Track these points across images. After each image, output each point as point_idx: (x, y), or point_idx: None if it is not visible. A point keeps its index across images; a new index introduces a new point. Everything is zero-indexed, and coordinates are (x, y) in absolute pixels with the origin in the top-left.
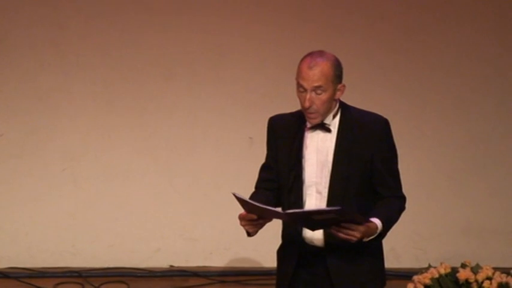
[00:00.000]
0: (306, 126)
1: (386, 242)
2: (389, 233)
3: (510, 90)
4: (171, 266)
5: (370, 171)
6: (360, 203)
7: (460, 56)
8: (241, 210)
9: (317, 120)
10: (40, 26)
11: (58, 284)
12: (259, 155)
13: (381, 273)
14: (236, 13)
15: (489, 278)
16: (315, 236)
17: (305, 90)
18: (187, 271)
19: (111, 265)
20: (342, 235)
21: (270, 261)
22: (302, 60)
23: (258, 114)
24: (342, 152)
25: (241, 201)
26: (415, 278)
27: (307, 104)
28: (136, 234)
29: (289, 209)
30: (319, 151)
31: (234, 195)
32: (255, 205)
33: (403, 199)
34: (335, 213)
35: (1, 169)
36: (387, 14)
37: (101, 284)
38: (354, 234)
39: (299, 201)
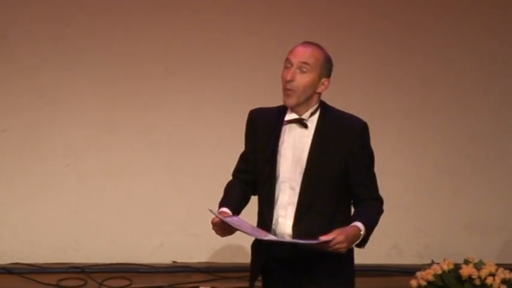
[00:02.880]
0: (284, 120)
1: (389, 239)
2: (392, 230)
3: (511, 87)
4: (174, 261)
5: (345, 172)
6: (333, 202)
7: (461, 53)
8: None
9: (292, 101)
10: (42, 21)
11: (61, 280)
12: None
13: (349, 275)
14: (237, 10)
15: (492, 274)
16: (286, 231)
17: (292, 65)
18: (190, 267)
19: (114, 261)
20: (330, 249)
21: None
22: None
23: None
24: (317, 150)
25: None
26: (418, 274)
27: (288, 77)
28: (139, 230)
29: (263, 202)
30: (295, 147)
31: (211, 211)
32: (233, 224)
33: (380, 201)
34: (311, 246)
35: (4, 165)
36: (389, 12)
37: (104, 280)
38: (340, 246)
39: (271, 195)
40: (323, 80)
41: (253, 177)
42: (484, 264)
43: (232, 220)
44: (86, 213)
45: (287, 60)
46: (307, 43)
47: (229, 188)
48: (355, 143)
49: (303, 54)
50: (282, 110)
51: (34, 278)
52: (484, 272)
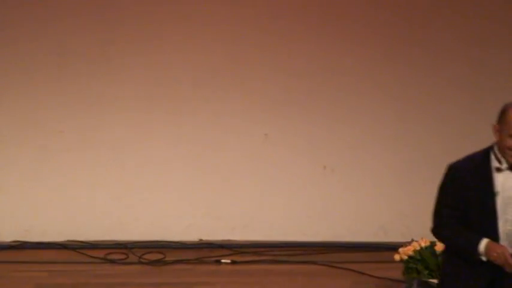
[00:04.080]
0: (493, 167)
1: (377, 221)
2: (379, 214)
3: (485, 88)
4: (200, 239)
5: None
6: None
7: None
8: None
9: None
10: (92, 42)
11: (107, 254)
12: (272, 148)
13: None
14: (253, 27)
15: None
16: None
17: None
18: (214, 244)
19: (151, 238)
20: None
21: (281, 235)
22: (507, 111)
23: (272, 114)
24: None
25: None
26: (401, 250)
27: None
28: (172, 213)
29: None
30: (506, 189)
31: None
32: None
33: None
34: None
35: (62, 160)
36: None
37: (143, 254)
38: None
39: (494, 228)
40: None
41: (462, 220)
42: None
43: None
44: (129, 200)
45: (508, 128)
46: None
47: (460, 231)
48: None
49: None
50: (482, 157)
51: (85, 253)
52: None
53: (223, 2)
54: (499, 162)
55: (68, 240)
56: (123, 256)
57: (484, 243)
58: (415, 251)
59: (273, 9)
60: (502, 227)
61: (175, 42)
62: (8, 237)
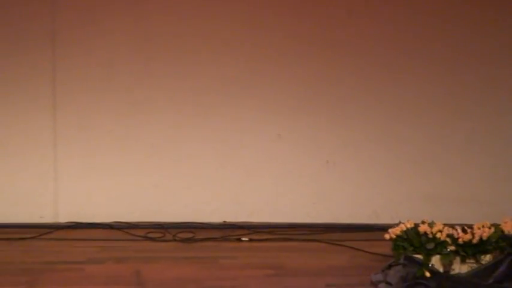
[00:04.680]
0: None
1: (370, 206)
2: (372, 200)
3: (462, 91)
4: (224, 221)
5: None
6: None
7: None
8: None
9: None
10: (135, 56)
11: (148, 233)
12: (284, 146)
13: None
14: (268, 46)
15: (440, 231)
16: None
17: None
18: (235, 225)
19: (183, 220)
20: None
21: (290, 218)
22: None
23: (284, 118)
24: None
25: None
26: (390, 230)
27: None
28: (201, 199)
29: None
30: None
31: None
32: None
33: None
34: None
35: (111, 154)
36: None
37: (176, 233)
38: None
39: None
40: None
41: None
42: (435, 223)
43: None
44: (166, 187)
45: None
46: None
47: None
48: None
49: None
50: None
51: (129, 232)
52: (435, 229)
53: (242, 23)
54: None
55: (115, 221)
56: (160, 235)
57: None
58: (401, 231)
59: (286, 28)
60: None
61: (204, 57)
62: (65, 218)
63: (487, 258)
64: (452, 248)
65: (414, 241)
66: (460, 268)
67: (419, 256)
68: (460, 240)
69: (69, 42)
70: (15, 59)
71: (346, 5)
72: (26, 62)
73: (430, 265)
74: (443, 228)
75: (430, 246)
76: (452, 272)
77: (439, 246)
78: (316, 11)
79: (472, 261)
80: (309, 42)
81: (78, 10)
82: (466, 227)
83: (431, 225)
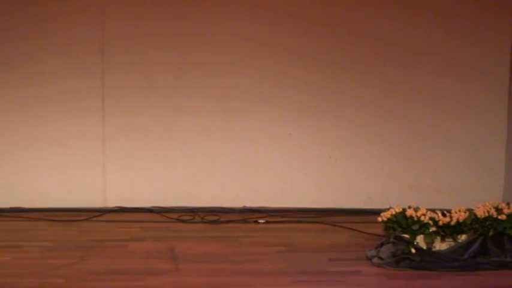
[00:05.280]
0: None
1: (365, 193)
2: (367, 188)
3: (441, 99)
4: (244, 206)
5: None
6: None
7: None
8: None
9: None
10: (170, 66)
11: (180, 216)
12: (294, 144)
13: None
14: (279, 61)
15: (424, 214)
16: None
17: None
18: (253, 209)
19: (210, 205)
20: None
21: (299, 203)
22: None
23: (294, 120)
24: None
25: None
26: (382, 214)
27: None
28: (225, 188)
29: None
30: None
31: None
32: None
33: None
34: None
35: (151, 150)
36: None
37: (204, 216)
38: None
39: None
40: None
41: None
42: (419, 208)
43: None
44: (195, 177)
45: None
46: None
47: None
48: None
49: None
50: None
51: (165, 215)
52: (419, 213)
53: (259, 42)
54: None
55: (153, 206)
56: (190, 217)
57: None
58: (391, 214)
59: (296, 47)
60: None
61: (227, 69)
62: (112, 204)
63: (462, 238)
64: (433, 229)
65: (402, 223)
66: (440, 246)
67: (406, 235)
68: (440, 223)
69: (116, 56)
70: (71, 71)
71: (345, 25)
72: (80, 74)
73: (415, 243)
74: (426, 212)
75: (415, 227)
76: (433, 249)
77: (422, 227)
78: (320, 33)
79: (450, 240)
80: (314, 60)
81: (124, 30)
82: (445, 212)
83: (416, 210)
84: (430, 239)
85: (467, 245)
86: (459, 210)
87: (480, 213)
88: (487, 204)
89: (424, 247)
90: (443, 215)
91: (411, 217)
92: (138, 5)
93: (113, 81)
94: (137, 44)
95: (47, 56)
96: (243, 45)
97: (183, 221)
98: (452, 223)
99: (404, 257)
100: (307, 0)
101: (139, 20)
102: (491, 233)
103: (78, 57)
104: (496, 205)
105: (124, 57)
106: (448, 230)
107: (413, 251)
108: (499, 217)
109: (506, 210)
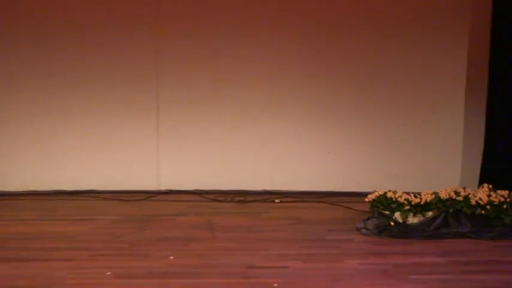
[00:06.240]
0: None
1: (355, 180)
2: (357, 175)
3: (416, 103)
4: (264, 189)
5: None
6: None
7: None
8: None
9: None
10: (209, 77)
11: (216, 196)
12: (302, 142)
13: None
14: (289, 68)
15: (400, 196)
16: None
17: None
18: (271, 191)
19: (238, 188)
20: None
21: (305, 187)
22: None
23: (302, 122)
24: None
25: None
26: (368, 195)
27: None
28: (249, 176)
29: None
30: None
31: None
32: None
33: None
34: None
35: (194, 144)
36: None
37: (234, 197)
38: None
39: None
40: None
41: None
42: (397, 191)
43: None
44: (227, 166)
45: None
46: None
47: None
48: None
49: None
50: None
51: (204, 196)
52: (397, 195)
53: (271, 59)
54: None
55: (195, 189)
56: (223, 198)
57: None
58: (376, 196)
59: (304, 61)
60: None
61: (252, 85)
62: (164, 187)
63: (429, 214)
64: (407, 207)
65: (384, 202)
66: (412, 220)
67: (387, 212)
68: (413, 202)
69: (167, 77)
70: (129, 75)
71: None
72: (137, 79)
73: (393, 218)
74: (402, 194)
75: (394, 206)
76: (407, 222)
77: (399, 206)
78: (315, 50)
79: (420, 215)
80: (316, 78)
81: (176, 37)
82: (416, 194)
83: (394, 192)
84: (405, 214)
85: (433, 219)
86: (427, 193)
87: (443, 195)
88: (448, 188)
89: (401, 221)
90: (415, 196)
91: (391, 198)
92: (190, 31)
93: (166, 95)
94: (183, 65)
95: (116, 74)
96: (261, 66)
97: (218, 201)
98: (422, 203)
99: (385, 228)
100: (309, 22)
101: (186, 47)
102: (451, 210)
103: (135, 62)
104: (455, 189)
105: (174, 78)
106: (419, 208)
107: (392, 224)
108: (457, 198)
109: (462, 193)
